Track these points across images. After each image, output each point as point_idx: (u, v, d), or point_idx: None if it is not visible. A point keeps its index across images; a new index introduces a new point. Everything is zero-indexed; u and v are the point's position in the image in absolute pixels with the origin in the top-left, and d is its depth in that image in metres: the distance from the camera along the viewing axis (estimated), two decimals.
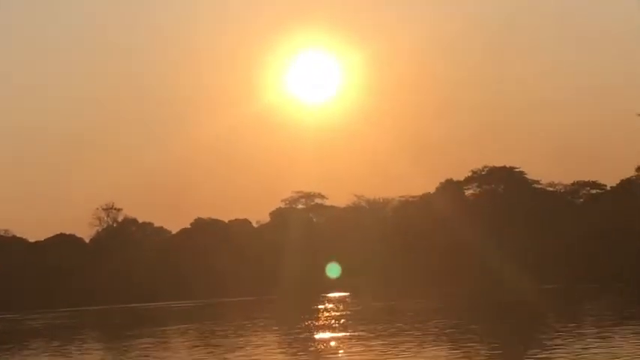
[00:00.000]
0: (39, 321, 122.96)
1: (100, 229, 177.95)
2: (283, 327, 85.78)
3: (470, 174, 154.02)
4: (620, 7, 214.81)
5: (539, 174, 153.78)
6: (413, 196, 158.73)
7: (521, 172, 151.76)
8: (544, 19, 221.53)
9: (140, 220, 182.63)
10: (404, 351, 58.25)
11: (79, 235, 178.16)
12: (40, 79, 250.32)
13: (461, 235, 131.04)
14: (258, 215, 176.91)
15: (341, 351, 61.59)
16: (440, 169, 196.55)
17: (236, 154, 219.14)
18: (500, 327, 71.93)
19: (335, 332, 76.47)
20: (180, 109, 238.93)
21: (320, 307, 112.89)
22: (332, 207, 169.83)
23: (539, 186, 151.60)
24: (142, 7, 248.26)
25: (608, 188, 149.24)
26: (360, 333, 73.26)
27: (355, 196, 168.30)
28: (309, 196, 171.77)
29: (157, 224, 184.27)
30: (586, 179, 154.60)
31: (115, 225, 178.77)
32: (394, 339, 65.72)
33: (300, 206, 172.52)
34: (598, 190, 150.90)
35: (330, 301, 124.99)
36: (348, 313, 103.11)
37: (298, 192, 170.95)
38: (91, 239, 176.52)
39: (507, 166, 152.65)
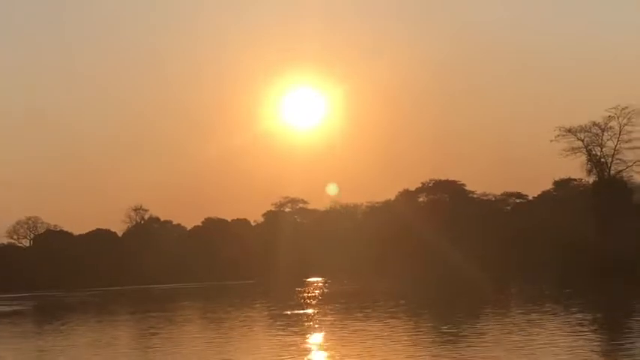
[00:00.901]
0: (79, 297, 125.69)
1: (130, 225, 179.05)
2: (271, 303, 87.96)
3: (420, 185, 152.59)
4: (547, 39, 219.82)
5: (476, 185, 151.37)
6: (377, 202, 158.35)
7: (462, 185, 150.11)
8: (482, 63, 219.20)
9: (162, 219, 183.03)
10: (340, 322, 60.15)
11: (113, 229, 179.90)
12: (95, 96, 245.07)
13: (416, 234, 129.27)
14: (255, 216, 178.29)
15: (308, 322, 61.26)
16: (399, 180, 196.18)
17: (239, 166, 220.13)
18: (432, 302, 72.89)
19: (302, 308, 76.98)
20: (199, 129, 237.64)
21: (300, 289, 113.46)
22: (313, 210, 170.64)
23: (475, 196, 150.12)
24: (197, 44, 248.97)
25: (530, 198, 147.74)
26: (319, 309, 74.93)
27: (332, 201, 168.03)
28: (294, 200, 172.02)
29: (175, 222, 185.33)
30: (513, 190, 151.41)
31: (142, 222, 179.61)
32: (342, 315, 67.12)
33: (287, 209, 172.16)
34: (522, 200, 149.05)
35: (309, 285, 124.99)
36: (318, 293, 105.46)
37: (285, 197, 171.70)
38: (123, 233, 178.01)
39: (450, 179, 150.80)
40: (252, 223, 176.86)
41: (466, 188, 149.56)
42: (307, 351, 45.78)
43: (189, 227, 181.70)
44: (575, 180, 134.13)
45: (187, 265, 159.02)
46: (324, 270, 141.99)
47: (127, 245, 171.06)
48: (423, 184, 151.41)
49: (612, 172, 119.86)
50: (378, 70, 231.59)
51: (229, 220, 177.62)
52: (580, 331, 46.34)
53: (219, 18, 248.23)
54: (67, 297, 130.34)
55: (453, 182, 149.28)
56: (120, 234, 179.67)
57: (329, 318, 66.15)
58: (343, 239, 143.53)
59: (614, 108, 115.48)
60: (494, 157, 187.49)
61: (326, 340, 50.98)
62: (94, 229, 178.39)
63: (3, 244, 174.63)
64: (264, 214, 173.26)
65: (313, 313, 72.12)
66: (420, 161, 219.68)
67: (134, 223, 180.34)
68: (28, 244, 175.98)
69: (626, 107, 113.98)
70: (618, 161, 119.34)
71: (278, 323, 64.12)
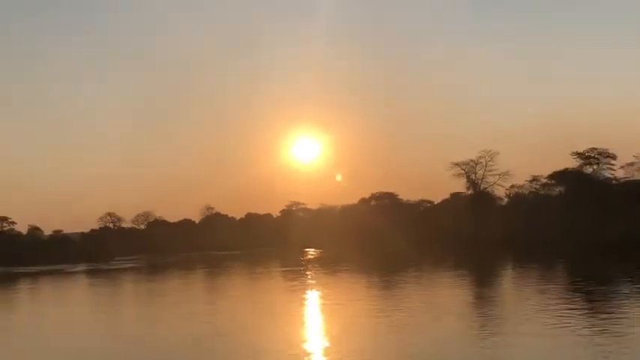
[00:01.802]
0: (172, 260, 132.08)
1: (203, 217, 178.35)
2: (285, 262, 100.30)
3: (371, 195, 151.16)
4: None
5: (403, 195, 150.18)
6: (347, 205, 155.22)
7: (395, 194, 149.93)
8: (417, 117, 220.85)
9: (222, 213, 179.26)
10: (322, 272, 72.92)
11: (193, 219, 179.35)
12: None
13: (370, 226, 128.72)
14: (275, 212, 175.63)
15: (308, 275, 71.05)
16: (359, 191, 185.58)
17: (267, 187, 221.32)
18: (380, 269, 76.33)
19: (301, 265, 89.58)
20: (242, 162, 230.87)
21: (301, 255, 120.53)
22: (310, 209, 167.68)
23: (404, 201, 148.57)
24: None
25: (435, 203, 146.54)
26: (311, 265, 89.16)
27: (321, 204, 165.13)
28: (298, 203, 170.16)
29: (230, 215, 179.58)
30: (425, 198, 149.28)
31: (210, 214, 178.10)
32: (324, 269, 79.96)
33: (294, 208, 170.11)
34: (430, 204, 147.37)
35: (307, 253, 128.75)
36: (311, 257, 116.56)
37: (293, 201, 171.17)
38: (199, 221, 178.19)
39: (388, 191, 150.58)
40: (274, 216, 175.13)
41: (398, 197, 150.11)
42: (304, 285, 57.18)
43: (238, 218, 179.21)
44: (461, 193, 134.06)
45: (234, 240, 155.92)
46: (315, 245, 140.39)
47: (202, 229, 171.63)
48: (373, 194, 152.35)
49: (482, 188, 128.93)
50: (352, 126, 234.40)
51: (261, 213, 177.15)
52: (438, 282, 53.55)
53: (253, 94, 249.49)
54: (165, 258, 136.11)
55: (390, 193, 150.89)
56: (197, 221, 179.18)
57: (316, 270, 78.56)
58: (327, 227, 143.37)
59: (483, 150, 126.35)
60: (417, 176, 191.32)
61: (314, 281, 62.53)
62: (182, 218, 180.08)
63: (128, 227, 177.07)
64: (280, 211, 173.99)
65: (307, 267, 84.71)
66: (372, 179, 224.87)
67: (205, 215, 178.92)
68: (144, 227, 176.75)
69: (490, 150, 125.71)
70: (485, 182, 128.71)
71: (290, 269, 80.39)
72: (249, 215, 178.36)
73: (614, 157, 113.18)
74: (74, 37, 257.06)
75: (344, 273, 73.22)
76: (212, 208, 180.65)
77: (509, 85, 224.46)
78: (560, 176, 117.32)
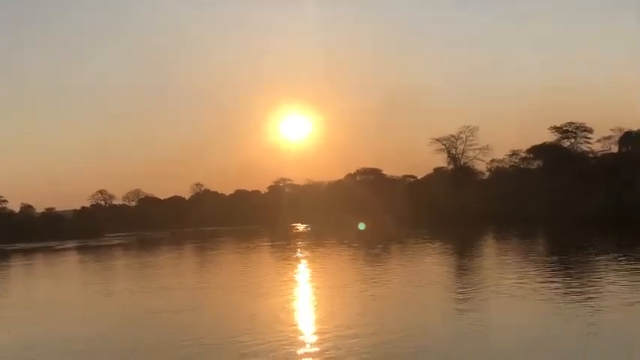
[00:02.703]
0: (159, 235, 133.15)
1: (193, 193, 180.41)
2: (272, 237, 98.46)
3: (356, 170, 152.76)
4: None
5: (387, 170, 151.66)
6: (333, 180, 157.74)
7: (379, 170, 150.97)
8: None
9: (212, 190, 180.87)
10: (310, 245, 72.72)
11: (183, 196, 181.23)
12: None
13: (356, 200, 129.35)
14: (263, 188, 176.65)
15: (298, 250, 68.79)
16: (346, 167, 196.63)
17: (257, 163, 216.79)
18: (366, 242, 74.74)
19: (290, 240, 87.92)
20: (233, 141, 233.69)
21: (290, 230, 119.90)
22: (296, 185, 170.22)
23: (388, 176, 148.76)
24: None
25: (419, 178, 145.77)
26: (299, 240, 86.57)
27: (307, 180, 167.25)
28: (284, 180, 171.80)
29: (219, 192, 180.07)
30: (409, 173, 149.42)
31: (200, 191, 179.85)
32: (311, 242, 79.09)
33: (281, 184, 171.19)
34: (414, 179, 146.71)
35: (295, 228, 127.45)
36: (300, 231, 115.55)
37: (280, 178, 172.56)
38: (189, 197, 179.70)
39: (373, 167, 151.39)
40: (262, 192, 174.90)
41: (383, 172, 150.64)
42: (289, 259, 56.76)
43: (227, 194, 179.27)
44: (443, 167, 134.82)
45: (224, 216, 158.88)
46: (304, 220, 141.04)
47: (191, 205, 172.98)
48: (358, 170, 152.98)
49: (462, 163, 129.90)
50: (343, 106, 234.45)
51: (250, 190, 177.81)
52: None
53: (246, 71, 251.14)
54: (154, 234, 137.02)
55: (375, 169, 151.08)
56: (187, 198, 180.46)
57: (302, 244, 77.68)
58: (315, 202, 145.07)
59: (463, 126, 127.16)
60: (400, 152, 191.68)
61: (300, 254, 61.63)
62: (172, 195, 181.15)
63: (119, 203, 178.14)
64: (268, 187, 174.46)
65: (296, 241, 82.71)
66: (358, 155, 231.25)
67: (195, 192, 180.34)
68: (134, 204, 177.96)
69: (470, 126, 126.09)
70: (465, 157, 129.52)
71: (277, 243, 79.55)
72: (238, 192, 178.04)
73: (590, 131, 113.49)
74: (67, 11, 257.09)
75: (330, 247, 72.31)
76: (201, 185, 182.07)
77: (492, 57, 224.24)
78: (539, 150, 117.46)
